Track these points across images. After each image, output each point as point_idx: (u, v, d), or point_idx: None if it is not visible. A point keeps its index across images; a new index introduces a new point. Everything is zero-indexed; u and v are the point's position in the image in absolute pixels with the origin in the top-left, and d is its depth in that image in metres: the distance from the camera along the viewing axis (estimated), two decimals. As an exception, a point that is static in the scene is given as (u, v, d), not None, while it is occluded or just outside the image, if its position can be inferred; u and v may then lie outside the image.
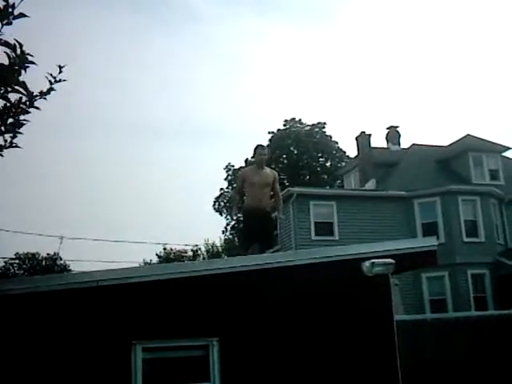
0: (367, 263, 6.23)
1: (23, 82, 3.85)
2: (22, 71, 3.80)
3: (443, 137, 70.43)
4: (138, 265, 32.64)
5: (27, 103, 3.93)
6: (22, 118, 3.99)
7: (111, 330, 5.59)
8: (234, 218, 35.91)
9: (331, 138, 42.47)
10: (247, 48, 71.12)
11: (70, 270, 35.85)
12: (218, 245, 43.91)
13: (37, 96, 3.95)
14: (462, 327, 12.01)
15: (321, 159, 42.57)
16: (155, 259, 42.54)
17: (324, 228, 22.08)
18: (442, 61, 69.35)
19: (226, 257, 34.06)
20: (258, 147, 8.74)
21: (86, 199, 57.91)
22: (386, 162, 27.51)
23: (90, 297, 5.62)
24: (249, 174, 8.72)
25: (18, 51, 3.70)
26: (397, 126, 30.52)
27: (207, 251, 43.40)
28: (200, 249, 43.59)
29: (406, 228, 22.54)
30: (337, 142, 42.65)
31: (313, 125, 42.61)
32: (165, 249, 42.81)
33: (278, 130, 42.27)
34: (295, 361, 6.06)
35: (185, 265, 8.44)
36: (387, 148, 29.91)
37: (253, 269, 6.15)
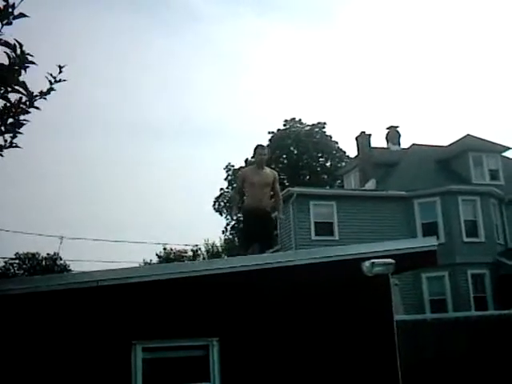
0: (367, 263, 6.23)
1: (23, 82, 3.85)
2: (22, 71, 3.80)
3: (443, 137, 70.48)
4: (138, 265, 32.63)
5: (27, 103, 3.93)
6: (21, 117, 3.99)
7: (111, 330, 5.59)
8: (234, 217, 35.91)
9: (331, 138, 42.48)
10: (247, 48, 71.21)
11: (69, 270, 35.84)
12: (218, 245, 43.94)
13: (37, 96, 3.95)
14: (462, 327, 12.01)
15: (321, 159, 42.56)
16: (155, 259, 42.57)
17: (324, 228, 22.08)
18: (442, 61, 69.42)
19: (226, 257, 34.06)
20: (258, 147, 8.74)
21: (86, 199, 57.99)
22: (386, 162, 27.51)
23: (90, 297, 5.62)
24: (249, 173, 8.72)
25: (18, 51, 3.70)
26: (397, 126, 30.52)
27: (207, 251, 43.41)
28: (200, 249, 43.66)
29: (406, 228, 22.54)
30: (337, 142, 42.68)
31: (313, 125, 42.61)
32: (165, 249, 42.86)
33: (278, 129, 42.28)
34: (295, 361, 6.06)
35: (185, 265, 8.43)
36: (387, 148, 29.91)
37: (253, 269, 6.15)
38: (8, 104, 3.90)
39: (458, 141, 26.75)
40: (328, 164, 42.48)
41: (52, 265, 38.69)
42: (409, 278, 20.10)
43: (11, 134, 4.01)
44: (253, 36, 71.75)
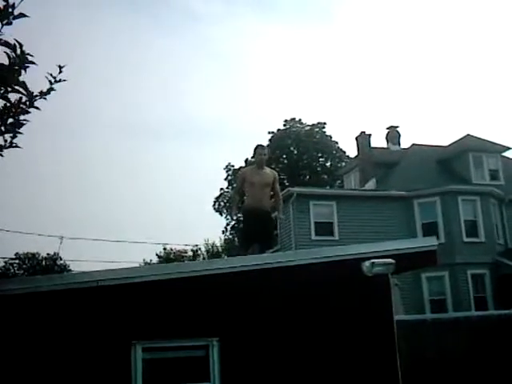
0: (367, 263, 6.22)
1: (23, 82, 3.85)
2: (22, 71, 3.80)
3: (443, 137, 70.47)
4: (138, 265, 32.62)
5: (27, 103, 3.93)
6: (21, 117, 3.99)
7: (111, 329, 5.59)
8: (234, 218, 35.91)
9: (331, 137, 42.48)
10: (247, 48, 71.14)
11: (70, 270, 35.84)
12: (218, 245, 43.93)
13: (37, 96, 3.95)
14: (462, 327, 12.01)
15: (321, 159, 42.56)
16: (155, 259, 42.56)
17: (324, 228, 22.07)
18: (442, 61, 69.40)
19: (226, 257, 34.06)
20: (258, 147, 8.74)
21: (86, 199, 57.95)
22: (386, 161, 27.51)
23: (90, 297, 5.62)
24: (249, 173, 8.72)
25: (18, 51, 3.70)
26: (397, 126, 30.53)
27: (207, 251, 43.40)
28: (200, 249, 43.65)
29: (406, 228, 22.54)
30: (337, 142, 42.67)
31: (313, 125, 42.61)
32: (165, 249, 42.84)
33: (278, 130, 42.27)
34: (295, 361, 6.06)
35: (184, 265, 8.42)
36: (387, 148, 29.91)
37: (252, 269, 6.15)
38: (8, 104, 3.90)
39: (458, 141, 26.75)
40: (328, 164, 42.47)
41: (52, 265, 38.67)
42: (409, 278, 20.08)
43: (11, 134, 4.01)
44: (252, 36, 71.81)
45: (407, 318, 12.09)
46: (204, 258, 41.05)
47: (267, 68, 72.17)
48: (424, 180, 24.16)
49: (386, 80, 71.58)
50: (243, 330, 5.99)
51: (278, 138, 41.27)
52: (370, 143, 28.20)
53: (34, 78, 3.91)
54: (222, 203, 42.52)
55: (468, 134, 26.67)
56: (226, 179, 42.70)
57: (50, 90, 3.99)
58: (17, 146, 4.08)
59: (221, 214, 42.70)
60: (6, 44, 3.67)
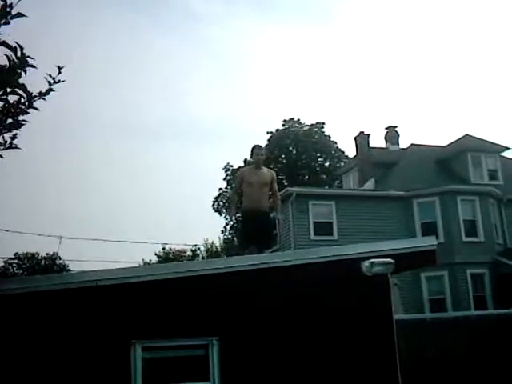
0: (367, 263, 6.23)
1: (23, 85, 3.85)
2: (22, 73, 3.80)
3: (442, 137, 70.49)
4: (137, 265, 32.62)
5: (26, 104, 3.93)
6: (20, 118, 3.99)
7: (111, 329, 5.60)
8: (233, 218, 35.92)
9: (330, 137, 42.45)
10: (247, 48, 71.13)
11: (69, 270, 35.82)
12: (217, 245, 43.94)
13: (36, 97, 3.96)
14: (461, 326, 12.01)
15: (320, 159, 42.53)
16: (155, 259, 42.56)
17: (323, 228, 22.07)
18: (442, 61, 69.40)
19: (225, 256, 34.07)
20: (255, 147, 8.76)
21: (86, 199, 57.94)
22: (384, 161, 27.51)
23: (90, 296, 5.63)
24: (247, 174, 8.73)
25: (19, 53, 3.70)
26: (395, 126, 30.53)
27: (206, 251, 43.40)
28: (199, 249, 43.65)
29: (405, 228, 22.54)
30: (336, 142, 42.64)
31: (312, 125, 42.59)
32: (164, 249, 42.84)
33: (277, 129, 42.25)
34: (295, 360, 6.07)
35: (182, 265, 8.43)
36: (386, 148, 29.91)
37: (249, 269, 6.16)
38: (7, 105, 3.90)
39: (456, 141, 26.77)
40: (327, 164, 42.45)
41: (51, 264, 38.64)
42: (408, 277, 20.08)
43: (11, 135, 4.01)
44: (252, 36, 71.85)
45: (407, 318, 12.10)
46: (203, 258, 41.05)
47: (267, 68, 72.25)
48: (423, 180, 24.17)
49: (385, 80, 71.65)
50: (242, 329, 6.00)
51: (276, 138, 41.26)
52: (368, 143, 28.19)
53: (33, 78, 3.92)
54: (221, 203, 42.51)
55: (467, 134, 26.69)
56: (224, 179, 42.71)
57: (49, 90, 4.00)
58: (16, 147, 4.09)
59: (220, 214, 42.72)
60: (5, 44, 3.67)
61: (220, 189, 42.82)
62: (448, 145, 27.36)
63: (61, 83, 3.99)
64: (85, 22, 57.26)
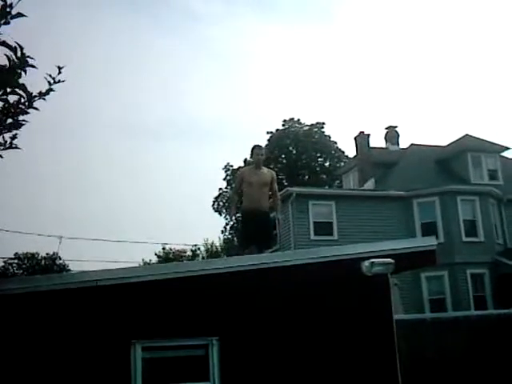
0: (366, 263, 6.23)
1: (23, 85, 3.85)
2: (22, 73, 3.80)
3: (442, 137, 70.48)
4: (137, 265, 32.62)
5: (26, 104, 3.93)
6: (21, 118, 3.99)
7: (111, 329, 5.60)
8: (233, 218, 35.92)
9: (330, 137, 42.45)
10: (247, 48, 71.14)
11: (69, 270, 35.82)
12: (218, 244, 43.95)
13: (36, 97, 3.96)
14: (461, 326, 12.01)
15: (320, 159, 42.53)
16: (155, 259, 42.57)
17: (323, 228, 22.07)
18: (442, 61, 69.40)
19: (225, 256, 34.07)
20: (255, 147, 8.76)
21: (86, 199, 57.94)
22: (384, 161, 27.51)
23: (90, 296, 5.63)
24: (247, 174, 8.73)
25: (19, 53, 3.70)
26: (395, 126, 30.53)
27: (206, 251, 43.40)
28: (199, 249, 43.66)
29: (405, 228, 22.55)
30: (336, 142, 42.65)
31: (312, 125, 42.59)
32: (164, 249, 42.85)
33: (277, 129, 42.25)
34: (295, 360, 6.07)
35: (182, 265, 8.44)
36: (386, 148, 29.91)
37: (249, 269, 6.16)
38: (7, 105, 3.91)
39: (456, 141, 26.77)
40: (327, 164, 42.46)
41: (51, 264, 38.64)
42: (408, 277, 20.09)
43: (11, 135, 4.01)
44: (252, 36, 71.85)
45: (407, 318, 12.10)
46: (203, 258, 41.05)
47: (267, 68, 72.25)
48: (423, 180, 24.18)
49: (385, 80, 71.65)
50: (242, 329, 6.00)
51: (276, 138, 41.26)
52: (368, 143, 28.19)
53: (33, 78, 3.91)
54: (221, 203, 42.52)
55: (467, 134, 26.69)
56: (224, 179, 42.72)
57: (49, 90, 4.00)
58: (16, 147, 4.09)
59: (220, 214, 42.73)
60: (5, 44, 3.68)
61: (220, 189, 42.85)
62: (448, 145, 27.36)
63: (61, 83, 4.00)
64: (85, 22, 57.32)
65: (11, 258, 39.16)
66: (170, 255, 42.67)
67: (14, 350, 5.30)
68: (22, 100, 3.91)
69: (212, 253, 42.33)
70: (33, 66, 3.76)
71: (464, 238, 22.59)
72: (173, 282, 5.85)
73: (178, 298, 5.88)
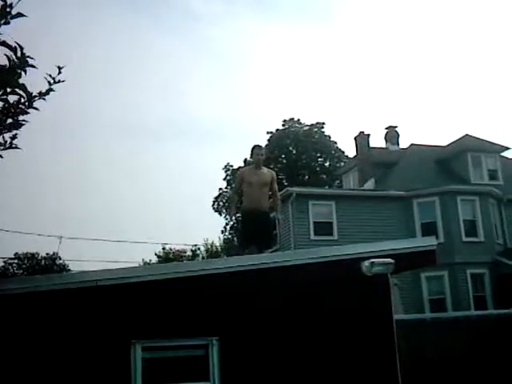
0: (366, 263, 6.23)
1: (23, 85, 3.85)
2: (22, 73, 3.80)
3: (442, 137, 70.48)
4: (137, 265, 32.62)
5: (26, 104, 3.93)
6: (21, 118, 3.99)
7: (111, 329, 5.60)
8: (233, 218, 35.92)
9: (330, 137, 42.46)
10: (247, 48, 71.14)
11: (69, 270, 35.82)
12: (217, 244, 43.95)
13: (36, 97, 3.96)
14: (461, 326, 12.01)
15: (320, 159, 42.54)
16: (155, 259, 42.57)
17: (323, 228, 22.07)
18: (442, 61, 69.40)
19: (225, 256, 34.07)
20: (255, 147, 8.76)
21: (86, 199, 57.94)
22: (384, 161, 27.52)
23: (90, 296, 5.63)
24: (247, 174, 8.73)
25: (19, 53, 3.70)
26: (395, 126, 30.53)
27: (206, 251, 43.40)
28: (199, 248, 43.66)
29: (405, 228, 22.55)
30: (336, 142, 42.65)
31: (312, 125, 42.60)
32: (164, 249, 42.85)
33: (277, 129, 42.25)
34: (295, 360, 6.07)
35: (182, 265, 8.44)
36: (386, 148, 29.91)
37: (249, 269, 6.16)
38: (7, 105, 3.91)
39: (456, 141, 26.77)
40: (327, 164, 42.46)
41: (51, 265, 38.64)
42: (408, 277, 20.09)
43: (11, 135, 4.01)
44: (252, 36, 71.86)
45: (407, 318, 12.11)
46: (203, 258, 41.05)
47: (267, 68, 72.26)
48: (423, 180, 24.18)
49: (385, 80, 71.65)
50: (242, 329, 6.00)
51: (276, 138, 41.26)
52: (368, 143, 28.20)
53: (33, 78, 3.92)
54: (221, 203, 42.53)
55: (467, 134, 26.69)
56: (224, 179, 42.72)
57: (49, 90, 4.00)
58: (16, 147, 4.09)
59: (220, 214, 42.74)
60: (5, 44, 3.68)
61: (220, 189, 42.85)
62: (448, 145, 27.36)
63: (61, 83, 4.00)
64: (85, 22, 57.33)
65: (11, 258, 39.17)
66: (170, 255, 42.67)
67: (15, 350, 5.30)
68: (22, 100, 3.91)
69: (212, 253, 42.33)
70: (33, 66, 3.76)
71: (464, 238, 22.59)
72: (173, 282, 5.85)
73: (177, 298, 5.88)
